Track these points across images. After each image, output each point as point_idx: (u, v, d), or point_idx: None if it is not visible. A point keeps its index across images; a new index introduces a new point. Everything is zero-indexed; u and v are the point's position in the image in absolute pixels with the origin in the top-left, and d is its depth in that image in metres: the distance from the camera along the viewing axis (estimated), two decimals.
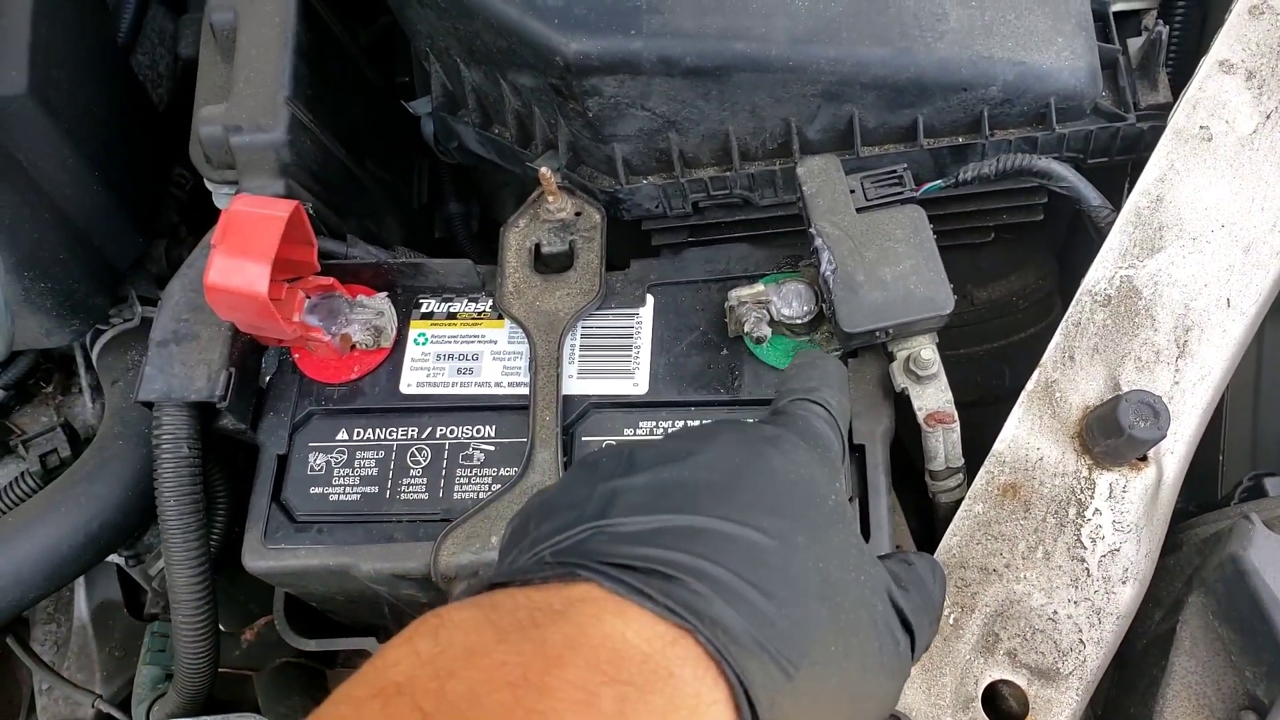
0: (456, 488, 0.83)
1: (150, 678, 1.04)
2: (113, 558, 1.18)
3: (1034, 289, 1.05)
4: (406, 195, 1.18)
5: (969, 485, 0.76)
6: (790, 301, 0.80)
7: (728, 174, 0.91)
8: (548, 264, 0.89)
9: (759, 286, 0.81)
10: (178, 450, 0.82)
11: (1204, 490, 0.91)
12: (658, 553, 0.46)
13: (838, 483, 0.57)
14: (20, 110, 0.89)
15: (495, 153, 1.02)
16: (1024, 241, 1.03)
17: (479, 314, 0.90)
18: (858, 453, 0.79)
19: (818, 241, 0.78)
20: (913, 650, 0.56)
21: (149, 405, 0.83)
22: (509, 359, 0.87)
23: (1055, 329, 0.98)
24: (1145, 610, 0.76)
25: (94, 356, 1.07)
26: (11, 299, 0.91)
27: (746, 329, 0.79)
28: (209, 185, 0.95)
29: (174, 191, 1.18)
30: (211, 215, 1.20)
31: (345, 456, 0.85)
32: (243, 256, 0.74)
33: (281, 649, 1.13)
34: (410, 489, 0.83)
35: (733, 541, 0.48)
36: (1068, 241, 1.07)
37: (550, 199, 0.89)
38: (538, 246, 0.89)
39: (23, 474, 1.05)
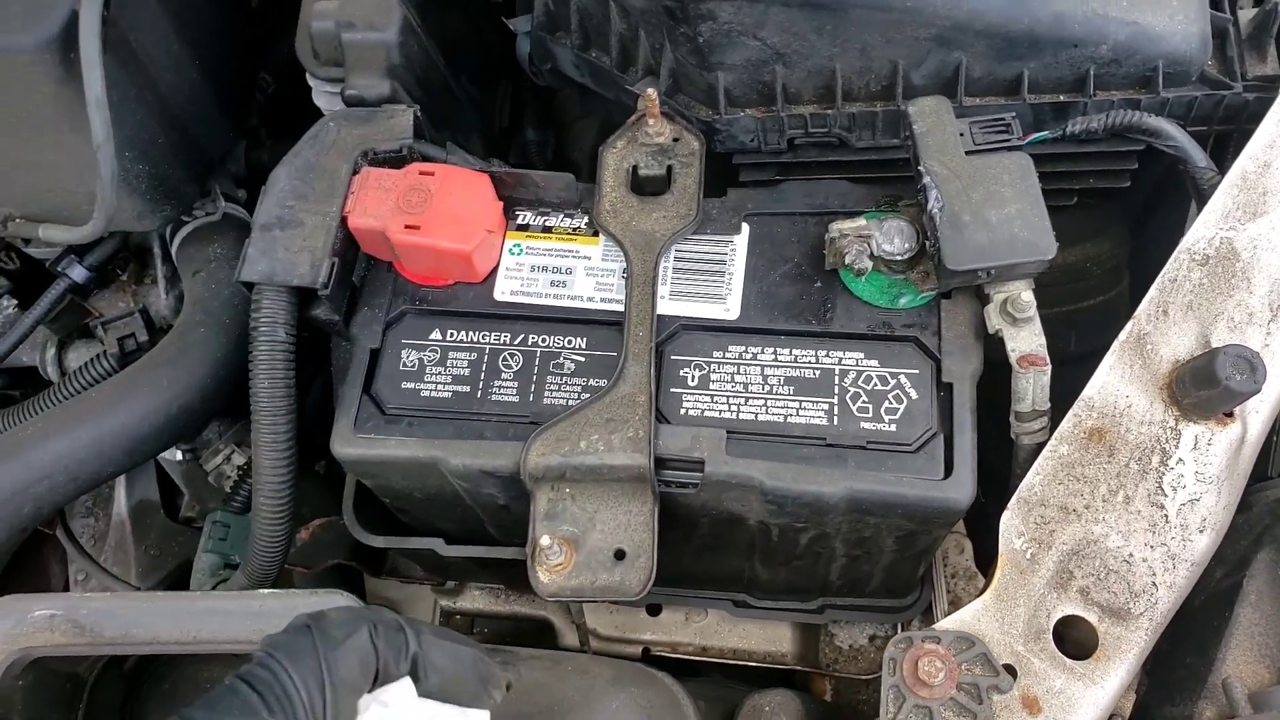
0: (546, 393, 0.85)
1: (210, 565, 1.06)
2: (166, 455, 1.20)
3: (1107, 258, 1.06)
4: (490, 116, 1.19)
5: (1051, 430, 0.78)
6: (892, 238, 0.82)
7: (829, 112, 0.92)
8: (643, 186, 0.90)
9: (861, 220, 0.82)
10: (274, 334, 0.84)
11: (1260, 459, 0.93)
12: None
13: None
14: None
15: (590, 76, 1.03)
16: (1102, 210, 1.04)
17: (574, 230, 0.91)
18: (946, 391, 0.81)
19: (926, 179, 0.79)
20: None
21: (249, 286, 0.84)
22: (602, 275, 0.88)
23: (1123, 300, 0.99)
24: (1208, 569, 0.78)
25: (174, 248, 1.08)
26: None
27: (848, 261, 0.81)
28: (311, 82, 0.96)
29: (255, 95, 1.19)
30: (290, 120, 1.21)
31: (438, 355, 0.86)
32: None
33: (334, 551, 1.15)
34: (501, 391, 0.85)
35: None
36: (1142, 217, 1.08)
37: (650, 122, 0.91)
38: (635, 168, 0.90)
39: (100, 354, 1.06)
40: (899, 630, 1.18)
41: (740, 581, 1.09)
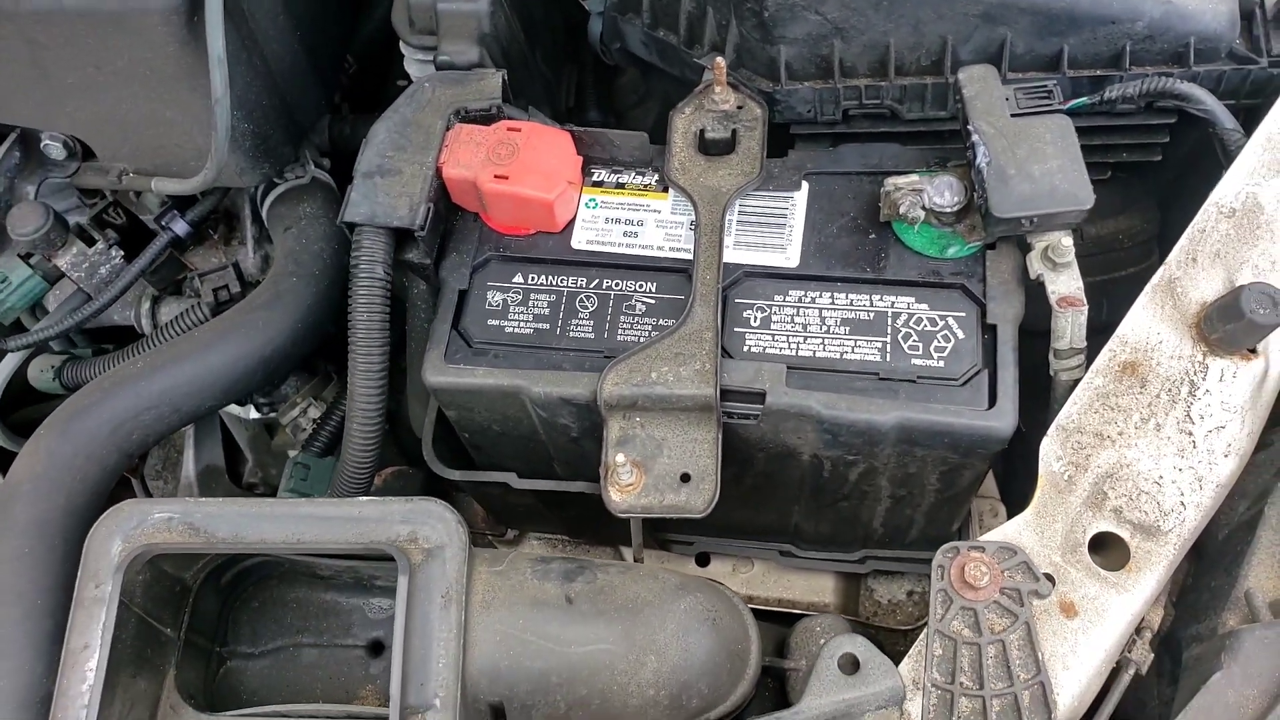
0: (620, 331, 0.92)
1: None
2: (236, 410, 1.28)
3: (1139, 231, 1.14)
4: (556, 97, 1.27)
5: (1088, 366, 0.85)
6: (942, 191, 0.89)
7: (882, 84, 1.00)
8: (709, 148, 0.98)
9: (913, 176, 0.90)
10: (373, 271, 0.92)
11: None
12: None
13: None
14: None
15: (658, 53, 1.11)
16: (1133, 185, 1.11)
17: (645, 186, 0.99)
18: (990, 333, 0.88)
19: (975, 138, 0.87)
20: None
21: (350, 228, 0.92)
22: (671, 227, 0.96)
23: (1153, 272, 1.07)
24: (1229, 503, 0.85)
25: (264, 208, 1.16)
26: None
27: (901, 211, 0.88)
28: (405, 50, 1.05)
29: (342, 73, 1.28)
30: (369, 99, 1.30)
31: (520, 296, 0.94)
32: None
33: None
34: (578, 329, 0.93)
35: None
36: (1169, 197, 1.15)
37: (717, 90, 0.99)
38: (702, 131, 0.98)
39: (195, 305, 1.15)
40: None
41: (786, 532, 1.15)
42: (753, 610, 1.21)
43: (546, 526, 1.25)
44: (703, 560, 1.23)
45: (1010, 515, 1.13)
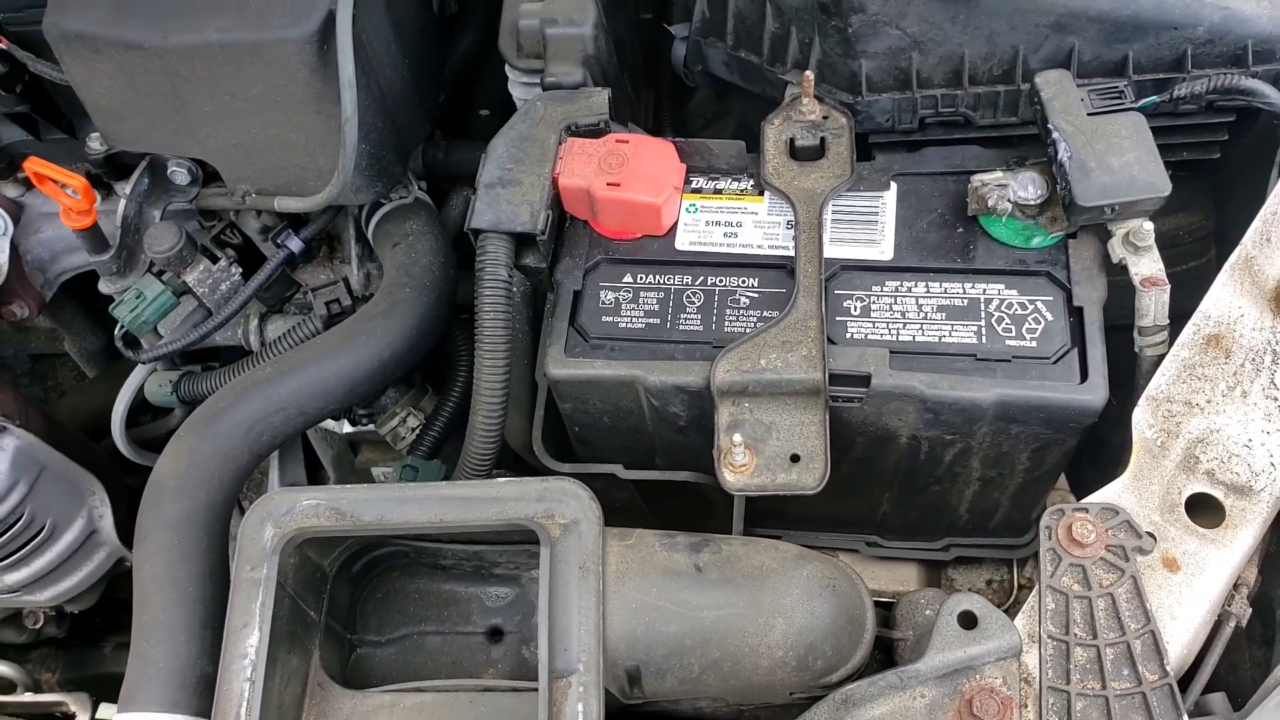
0: (726, 323, 0.99)
1: None
2: (330, 423, 1.35)
3: (1198, 227, 1.20)
4: (638, 119, 1.35)
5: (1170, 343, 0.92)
6: (1026, 185, 0.96)
7: (957, 93, 1.07)
8: (800, 155, 1.06)
9: (998, 173, 0.97)
10: (497, 273, 0.99)
11: None
12: None
13: None
14: None
15: (740, 74, 1.19)
16: (1193, 183, 1.18)
17: (741, 191, 1.06)
18: (1076, 315, 0.94)
19: (1055, 135, 0.94)
20: None
21: (476, 234, 1.00)
22: (768, 227, 1.03)
23: (1211, 266, 1.13)
24: None
25: (370, 228, 1.24)
26: None
27: (990, 204, 0.95)
28: (510, 73, 1.13)
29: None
30: (457, 123, 1.38)
31: (631, 295, 1.01)
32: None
33: None
34: (687, 322, 0.99)
35: None
36: (1226, 190, 1.22)
37: (805, 101, 1.06)
38: (792, 140, 1.06)
39: (307, 317, 1.22)
40: (1013, 571, 1.30)
41: (873, 522, 1.21)
42: None
43: (640, 523, 1.30)
44: None
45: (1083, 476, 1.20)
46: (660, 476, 1.08)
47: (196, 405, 1.23)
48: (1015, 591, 1.28)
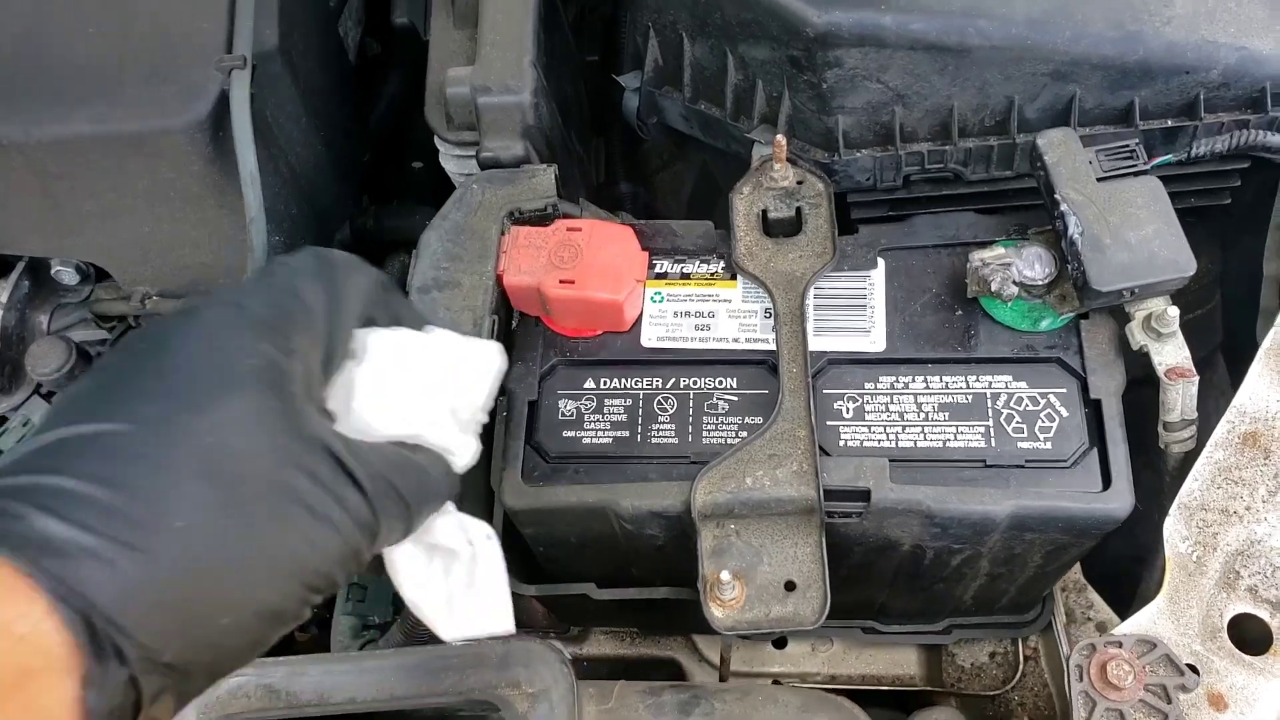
0: (705, 433, 0.87)
1: (350, 627, 1.07)
2: None
3: (1204, 273, 1.10)
4: (588, 173, 1.22)
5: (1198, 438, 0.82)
6: (1032, 264, 0.85)
7: (945, 148, 0.96)
8: (774, 229, 0.94)
9: (999, 249, 0.86)
10: None
11: None
12: (11, 482, 0.44)
13: (275, 340, 0.50)
14: (271, 66, 0.94)
15: (700, 127, 1.07)
16: (1198, 229, 1.08)
17: (711, 275, 0.94)
18: (1095, 408, 0.84)
19: (1064, 207, 0.83)
20: (377, 516, 0.51)
21: None
22: (744, 317, 0.92)
23: (1216, 312, 1.03)
24: None
25: None
26: None
27: (994, 288, 0.84)
28: (440, 146, 0.99)
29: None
30: (387, 184, 1.24)
31: (594, 404, 0.89)
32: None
33: None
34: (660, 434, 0.88)
35: (89, 444, 0.45)
36: (1233, 234, 1.13)
37: (776, 167, 0.94)
38: (764, 212, 0.94)
39: None
40: (1019, 646, 1.21)
41: (870, 609, 1.11)
42: (835, 690, 1.18)
43: (614, 622, 1.19)
44: (780, 643, 1.18)
45: (1086, 576, 1.12)
46: (639, 595, 0.97)
47: None
48: (1021, 664, 1.20)
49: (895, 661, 1.18)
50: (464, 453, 0.60)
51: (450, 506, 0.62)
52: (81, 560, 0.41)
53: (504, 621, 0.64)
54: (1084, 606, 1.17)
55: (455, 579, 0.62)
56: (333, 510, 0.49)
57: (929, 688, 1.17)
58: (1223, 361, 1.13)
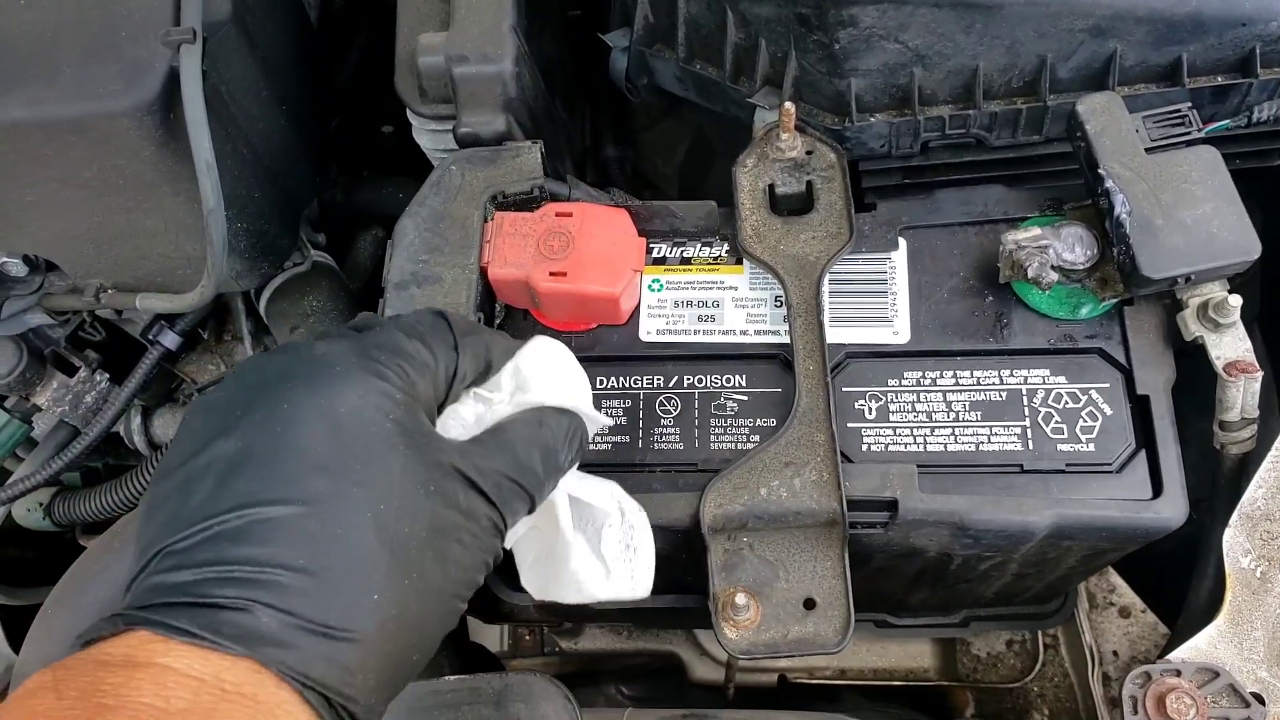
0: (712, 438, 0.80)
1: None
2: None
3: None
4: (574, 139, 1.13)
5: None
6: (1072, 246, 0.77)
7: (968, 112, 0.87)
8: (782, 205, 0.85)
9: (1035, 230, 0.78)
10: None
11: None
12: (207, 574, 0.47)
13: (402, 395, 0.54)
14: (225, 38, 0.84)
15: (696, 89, 0.97)
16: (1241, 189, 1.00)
17: (714, 259, 0.86)
18: (1142, 404, 0.76)
19: (1109, 183, 0.74)
20: (503, 516, 0.57)
21: None
22: (752, 305, 0.84)
23: (1254, 274, 0.94)
24: None
25: (263, 303, 1.02)
26: None
27: (1030, 274, 0.76)
28: (414, 119, 0.90)
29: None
30: (359, 159, 1.15)
31: None
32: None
33: None
34: (663, 439, 0.80)
35: (275, 527, 0.48)
36: (1273, 194, 1.04)
37: (783, 136, 0.86)
38: (771, 187, 0.85)
39: None
40: (1038, 634, 1.15)
41: (886, 603, 1.05)
42: (848, 685, 1.13)
43: (611, 618, 1.13)
44: None
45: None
46: (643, 605, 0.90)
47: (73, 530, 1.03)
48: (1041, 653, 1.14)
49: (910, 654, 1.13)
50: (599, 420, 0.67)
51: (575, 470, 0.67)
52: (308, 654, 0.47)
53: (647, 588, 0.69)
54: (1105, 590, 1.11)
55: (610, 542, 0.68)
56: (474, 529, 0.55)
57: (944, 681, 1.12)
58: (1260, 335, 1.05)
